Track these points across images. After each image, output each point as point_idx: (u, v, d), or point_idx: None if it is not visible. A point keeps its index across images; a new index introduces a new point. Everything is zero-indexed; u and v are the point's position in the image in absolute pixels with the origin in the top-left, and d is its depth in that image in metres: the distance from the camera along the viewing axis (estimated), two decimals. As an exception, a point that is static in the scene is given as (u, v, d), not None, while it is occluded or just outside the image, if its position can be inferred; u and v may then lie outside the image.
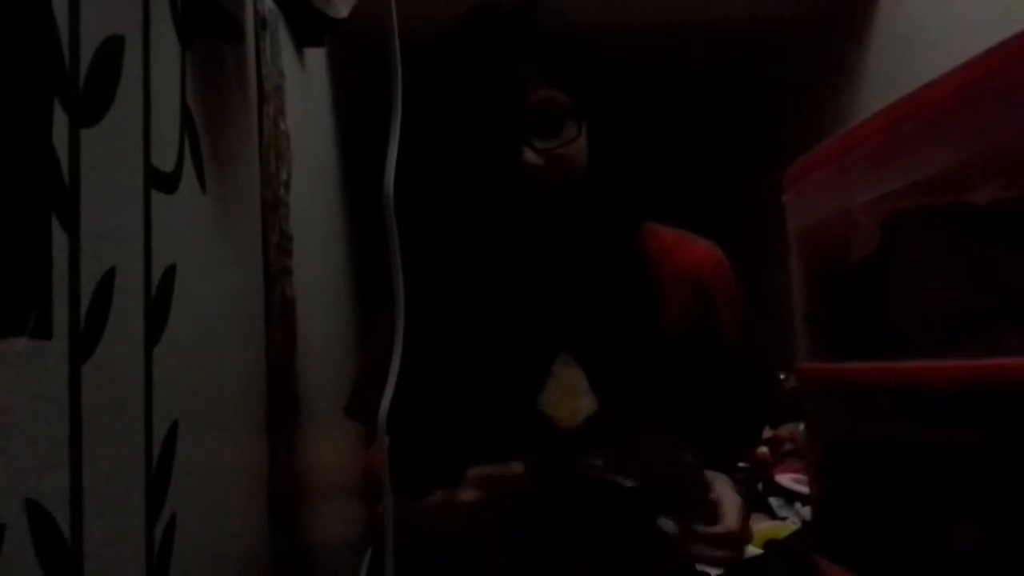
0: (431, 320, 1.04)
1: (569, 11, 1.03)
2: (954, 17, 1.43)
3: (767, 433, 1.89)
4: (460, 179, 0.99)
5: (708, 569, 1.03)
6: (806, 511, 1.67)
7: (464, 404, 1.03)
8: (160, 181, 0.68)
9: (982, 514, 0.56)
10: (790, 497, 1.75)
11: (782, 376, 1.21)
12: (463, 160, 0.97)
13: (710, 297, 1.07)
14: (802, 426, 1.60)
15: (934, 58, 1.46)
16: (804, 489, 1.68)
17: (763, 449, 1.85)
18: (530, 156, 0.94)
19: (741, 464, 1.72)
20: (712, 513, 0.90)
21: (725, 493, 0.92)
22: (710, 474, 0.94)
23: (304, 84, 1.48)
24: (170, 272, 0.69)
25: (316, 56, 1.61)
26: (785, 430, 1.89)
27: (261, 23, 1.09)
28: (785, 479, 1.78)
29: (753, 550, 1.48)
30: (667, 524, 0.90)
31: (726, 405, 1.08)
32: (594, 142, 0.99)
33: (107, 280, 0.57)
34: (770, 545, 1.50)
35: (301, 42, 1.43)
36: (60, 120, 0.51)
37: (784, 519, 1.70)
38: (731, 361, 1.08)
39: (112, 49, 0.59)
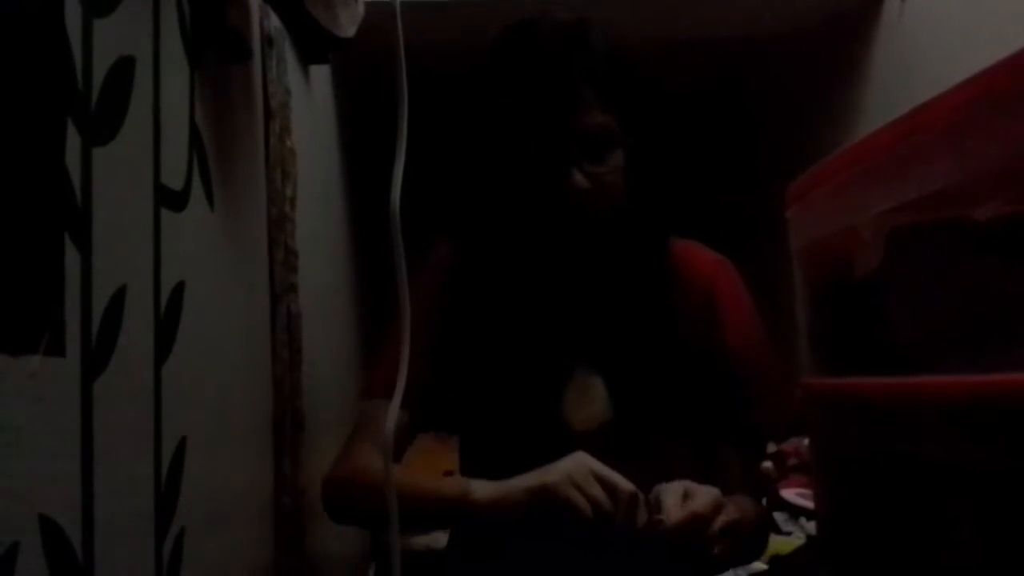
0: (461, 325, 1.06)
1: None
2: (956, 33, 1.43)
3: (771, 448, 1.88)
4: (507, 195, 1.00)
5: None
6: (811, 526, 1.66)
7: (486, 406, 1.05)
8: (169, 199, 0.69)
9: (987, 529, 0.56)
10: (795, 512, 1.75)
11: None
12: (512, 177, 0.98)
13: (717, 307, 1.08)
14: (806, 441, 1.60)
15: (937, 73, 1.46)
16: (809, 504, 1.68)
17: (767, 464, 1.85)
18: (579, 179, 0.95)
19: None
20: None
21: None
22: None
23: (309, 101, 1.48)
24: (179, 290, 0.70)
25: (321, 73, 1.62)
26: (789, 445, 1.89)
27: (267, 41, 1.10)
28: (790, 494, 1.78)
29: (758, 565, 1.47)
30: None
31: (731, 415, 1.09)
32: (633, 169, 1.01)
33: (118, 298, 0.57)
34: (775, 560, 1.49)
35: (306, 60, 1.44)
36: (73, 140, 0.52)
37: (789, 534, 1.69)
38: (734, 370, 1.08)
39: (123, 70, 0.60)
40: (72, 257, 0.51)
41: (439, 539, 1.51)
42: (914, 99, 0.64)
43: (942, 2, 1.53)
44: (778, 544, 1.60)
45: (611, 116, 0.97)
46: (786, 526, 1.73)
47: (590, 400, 1.05)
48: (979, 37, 1.35)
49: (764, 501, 1.80)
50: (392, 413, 0.87)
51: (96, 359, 0.54)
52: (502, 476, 0.99)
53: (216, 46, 0.84)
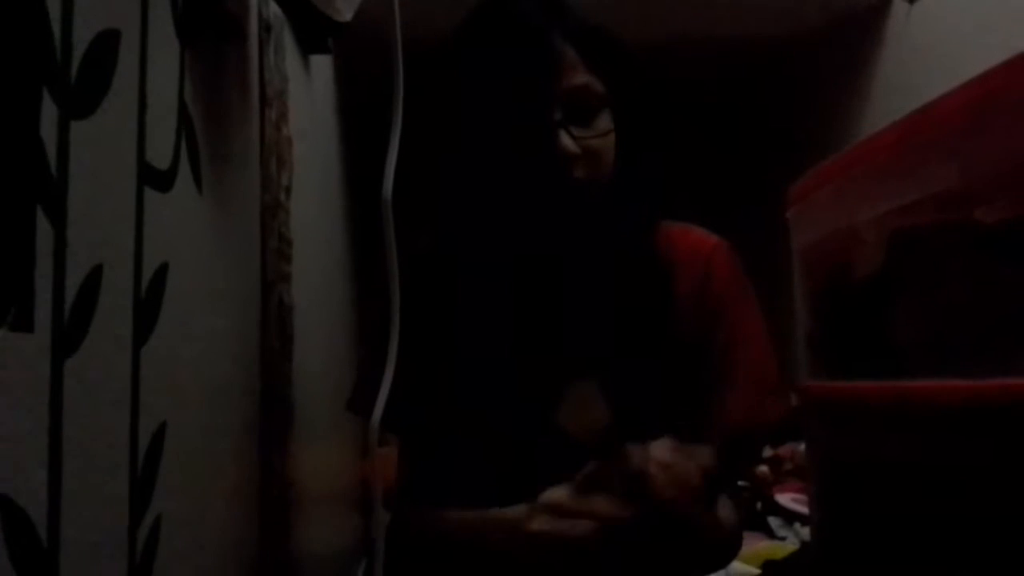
0: (448, 327, 1.03)
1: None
2: (962, 34, 1.42)
3: (767, 452, 1.87)
4: (494, 172, 0.96)
5: None
6: (805, 531, 1.65)
7: (482, 413, 1.01)
8: (154, 179, 0.67)
9: (984, 535, 0.54)
10: (789, 517, 1.74)
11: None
12: (497, 144, 0.94)
13: (711, 297, 1.03)
14: (802, 445, 1.59)
15: (942, 74, 1.45)
16: (804, 509, 1.66)
17: (763, 468, 1.84)
18: (568, 143, 0.90)
19: (741, 483, 1.70)
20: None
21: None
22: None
23: (309, 90, 1.47)
24: (161, 271, 0.68)
25: (322, 63, 1.61)
26: (785, 449, 1.88)
27: (265, 27, 1.09)
28: (785, 499, 1.76)
29: (751, 570, 1.46)
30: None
31: (716, 411, 1.04)
32: (622, 141, 0.97)
33: (94, 276, 0.56)
34: (768, 566, 1.48)
35: (306, 49, 1.42)
36: (49, 111, 0.50)
37: (783, 539, 1.68)
38: (722, 364, 1.03)
39: (107, 43, 0.59)
40: (44, 231, 0.49)
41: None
42: (919, 101, 0.63)
43: (949, 5, 1.51)
44: (772, 549, 1.59)
45: (595, 76, 0.93)
46: (780, 531, 1.71)
47: (588, 407, 1.01)
48: (985, 40, 1.33)
49: (759, 505, 1.80)
50: (378, 411, 0.85)
51: (69, 337, 0.52)
52: (492, 489, 0.97)
53: (210, 26, 0.83)
